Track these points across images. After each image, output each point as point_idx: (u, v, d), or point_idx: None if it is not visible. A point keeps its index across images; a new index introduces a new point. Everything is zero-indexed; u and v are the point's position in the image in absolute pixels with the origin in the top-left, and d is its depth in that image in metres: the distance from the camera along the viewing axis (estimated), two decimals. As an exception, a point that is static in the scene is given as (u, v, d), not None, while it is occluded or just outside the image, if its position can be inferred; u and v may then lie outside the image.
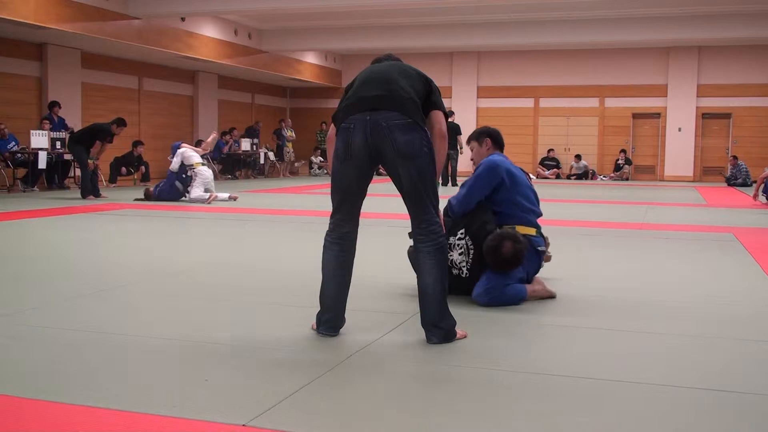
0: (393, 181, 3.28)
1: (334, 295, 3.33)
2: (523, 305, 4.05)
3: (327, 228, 3.35)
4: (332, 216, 3.34)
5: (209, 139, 12.78)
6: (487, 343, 3.31)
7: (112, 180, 15.11)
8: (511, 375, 2.85)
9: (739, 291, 4.65)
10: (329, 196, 3.36)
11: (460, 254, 4.12)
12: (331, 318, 3.34)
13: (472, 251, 4.11)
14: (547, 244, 4.45)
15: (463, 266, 4.12)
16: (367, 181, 3.31)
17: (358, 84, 3.33)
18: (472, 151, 4.57)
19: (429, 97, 3.32)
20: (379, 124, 3.16)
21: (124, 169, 15.59)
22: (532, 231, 4.29)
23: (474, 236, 4.13)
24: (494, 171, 4.25)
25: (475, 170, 4.38)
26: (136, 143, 15.67)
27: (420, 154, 3.17)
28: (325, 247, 3.34)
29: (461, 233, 4.17)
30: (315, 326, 3.39)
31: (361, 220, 3.39)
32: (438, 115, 3.33)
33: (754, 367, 3.02)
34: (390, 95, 3.20)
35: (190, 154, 11.17)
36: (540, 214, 4.44)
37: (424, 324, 3.28)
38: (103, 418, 2.33)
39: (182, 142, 11.76)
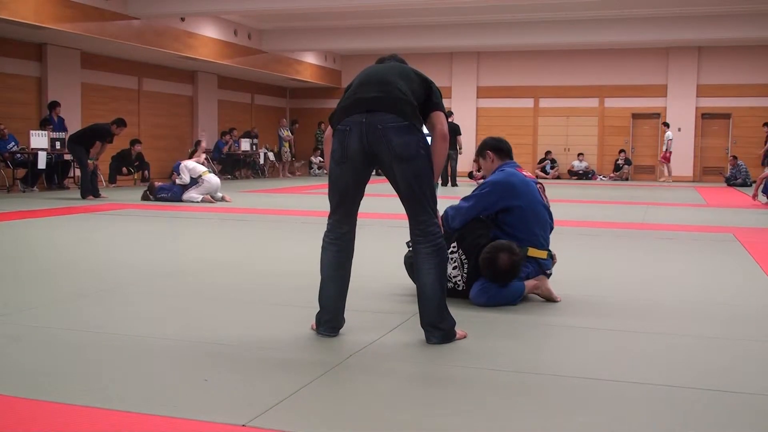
0: (390, 183, 3.27)
1: (333, 296, 3.32)
2: (524, 305, 4.05)
3: (325, 228, 3.36)
4: (330, 217, 3.33)
5: (199, 153, 12.51)
6: (487, 343, 3.31)
7: (112, 180, 15.11)
8: (511, 375, 2.85)
9: (739, 291, 4.65)
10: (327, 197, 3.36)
11: (454, 268, 4.07)
12: (330, 318, 3.34)
13: (466, 265, 4.07)
14: (554, 262, 4.39)
15: (459, 280, 4.08)
16: (364, 182, 3.30)
17: (356, 85, 3.32)
18: (481, 168, 4.55)
19: (429, 99, 3.30)
20: (375, 127, 3.14)
21: (124, 170, 15.57)
22: (543, 254, 4.21)
23: (467, 249, 4.07)
24: (509, 191, 4.14)
25: (481, 184, 4.27)
26: (134, 142, 15.64)
27: (416, 156, 3.14)
28: (323, 247, 3.34)
29: (454, 246, 4.10)
30: (315, 326, 3.39)
31: (359, 220, 3.39)
32: (439, 116, 3.31)
33: (754, 367, 3.02)
34: (386, 97, 3.18)
35: (193, 165, 11.20)
36: (552, 227, 4.38)
37: (423, 325, 3.28)
38: (103, 418, 2.33)
39: (179, 162, 11.63)
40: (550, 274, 4.31)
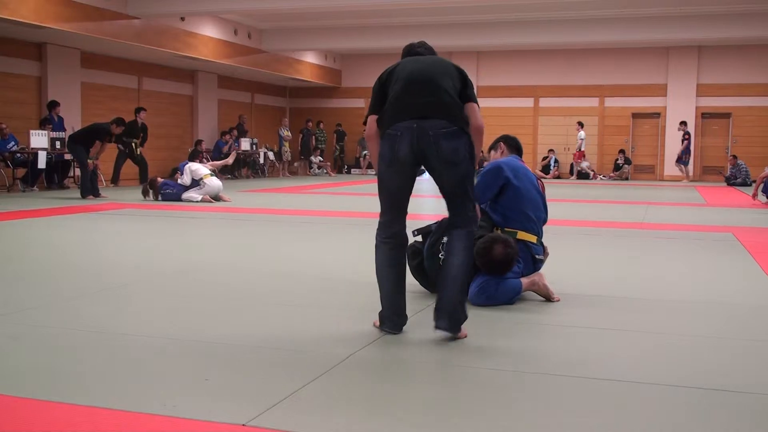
0: (434, 180, 3.37)
1: (389, 293, 3.37)
2: (523, 305, 4.05)
3: (376, 228, 3.42)
4: (381, 216, 3.41)
5: (230, 159, 12.85)
6: (488, 343, 3.31)
7: (114, 180, 15.03)
8: (511, 375, 2.85)
9: (739, 290, 4.65)
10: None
11: None
12: (389, 315, 3.38)
13: None
14: (545, 254, 4.41)
15: None
16: (412, 183, 3.40)
17: (403, 86, 3.34)
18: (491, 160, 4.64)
19: (464, 91, 3.39)
20: (426, 132, 3.24)
21: (133, 144, 14.65)
22: (533, 239, 4.24)
23: None
24: (498, 172, 4.26)
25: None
26: (138, 109, 15.11)
27: (463, 160, 3.27)
28: (376, 246, 3.42)
29: None
30: (377, 323, 3.43)
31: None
32: (473, 108, 3.39)
33: (754, 366, 3.02)
34: (438, 102, 3.28)
35: (196, 167, 11.23)
36: (545, 220, 4.41)
37: (438, 308, 3.27)
38: (103, 418, 2.33)
39: (186, 161, 11.79)
40: (542, 260, 4.32)
